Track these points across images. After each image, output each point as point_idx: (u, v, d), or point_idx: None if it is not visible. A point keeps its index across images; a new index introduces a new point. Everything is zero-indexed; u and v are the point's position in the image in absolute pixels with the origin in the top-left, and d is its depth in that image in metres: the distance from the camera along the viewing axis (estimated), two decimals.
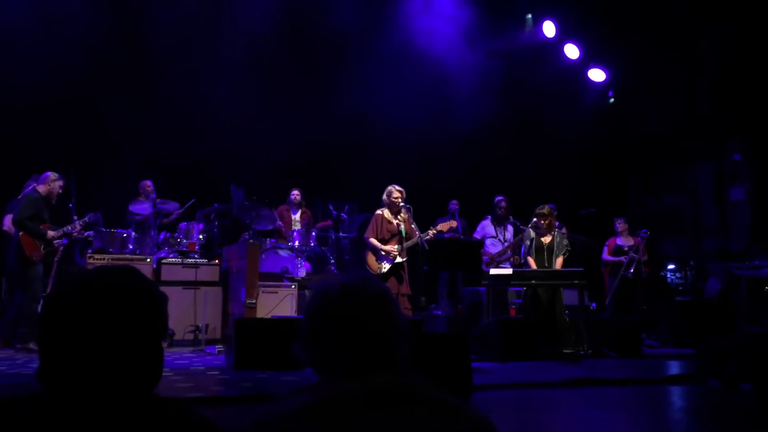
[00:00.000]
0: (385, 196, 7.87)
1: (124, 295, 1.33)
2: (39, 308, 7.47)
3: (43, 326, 1.33)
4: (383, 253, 7.69)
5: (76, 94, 10.24)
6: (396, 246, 7.71)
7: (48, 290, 8.29)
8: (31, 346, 7.30)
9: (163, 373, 1.41)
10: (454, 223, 8.24)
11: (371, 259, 7.80)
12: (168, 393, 4.53)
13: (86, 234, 8.34)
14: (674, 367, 7.46)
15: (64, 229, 7.89)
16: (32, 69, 9.61)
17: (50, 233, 7.68)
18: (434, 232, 7.88)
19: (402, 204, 7.83)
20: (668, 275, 11.94)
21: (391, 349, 1.44)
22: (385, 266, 7.68)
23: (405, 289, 7.71)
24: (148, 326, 1.35)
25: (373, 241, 7.77)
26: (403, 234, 7.74)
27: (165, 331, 1.41)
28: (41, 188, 7.80)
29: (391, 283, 7.51)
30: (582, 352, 7.69)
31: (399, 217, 7.85)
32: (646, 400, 5.96)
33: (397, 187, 7.86)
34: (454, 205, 10.05)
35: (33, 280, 7.55)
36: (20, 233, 7.55)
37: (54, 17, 9.75)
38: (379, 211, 7.91)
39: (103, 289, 1.32)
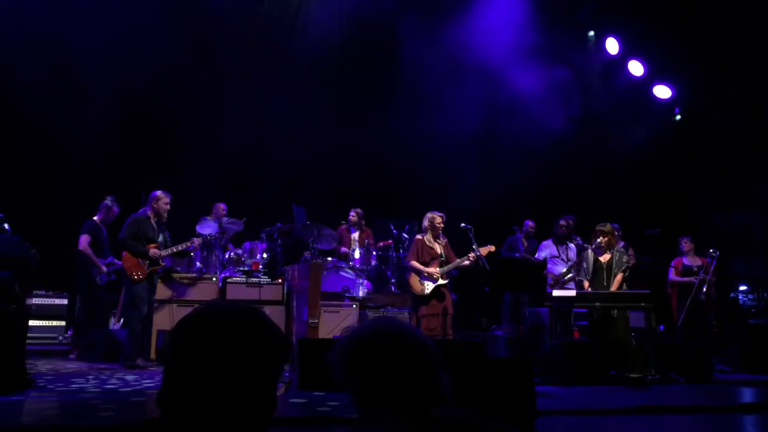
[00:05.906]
0: (426, 222, 8.13)
1: (253, 336, 1.37)
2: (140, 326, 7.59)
3: (172, 355, 1.37)
4: (426, 275, 7.90)
5: (145, 116, 10.59)
6: (437, 269, 7.91)
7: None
8: (139, 362, 7.43)
9: None
10: (492, 248, 8.20)
11: (414, 280, 8.02)
12: None
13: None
14: (747, 395, 7.20)
15: (175, 247, 7.99)
16: (103, 90, 9.96)
17: (153, 251, 7.70)
18: (473, 256, 7.92)
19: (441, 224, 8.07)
20: (740, 296, 11.50)
21: (430, 384, 1.46)
22: (428, 287, 7.88)
23: (449, 308, 7.91)
24: (269, 368, 1.39)
25: (415, 263, 8.02)
26: (443, 257, 7.99)
27: (282, 374, 1.45)
28: (150, 210, 7.89)
29: (435, 302, 7.85)
30: (649, 377, 7.48)
31: (438, 241, 8.08)
32: (716, 429, 5.72)
33: (439, 214, 8.13)
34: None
35: (136, 299, 7.59)
36: (124, 253, 7.67)
37: (126, 38, 10.13)
38: (419, 236, 8.21)
39: (233, 328, 1.37)
